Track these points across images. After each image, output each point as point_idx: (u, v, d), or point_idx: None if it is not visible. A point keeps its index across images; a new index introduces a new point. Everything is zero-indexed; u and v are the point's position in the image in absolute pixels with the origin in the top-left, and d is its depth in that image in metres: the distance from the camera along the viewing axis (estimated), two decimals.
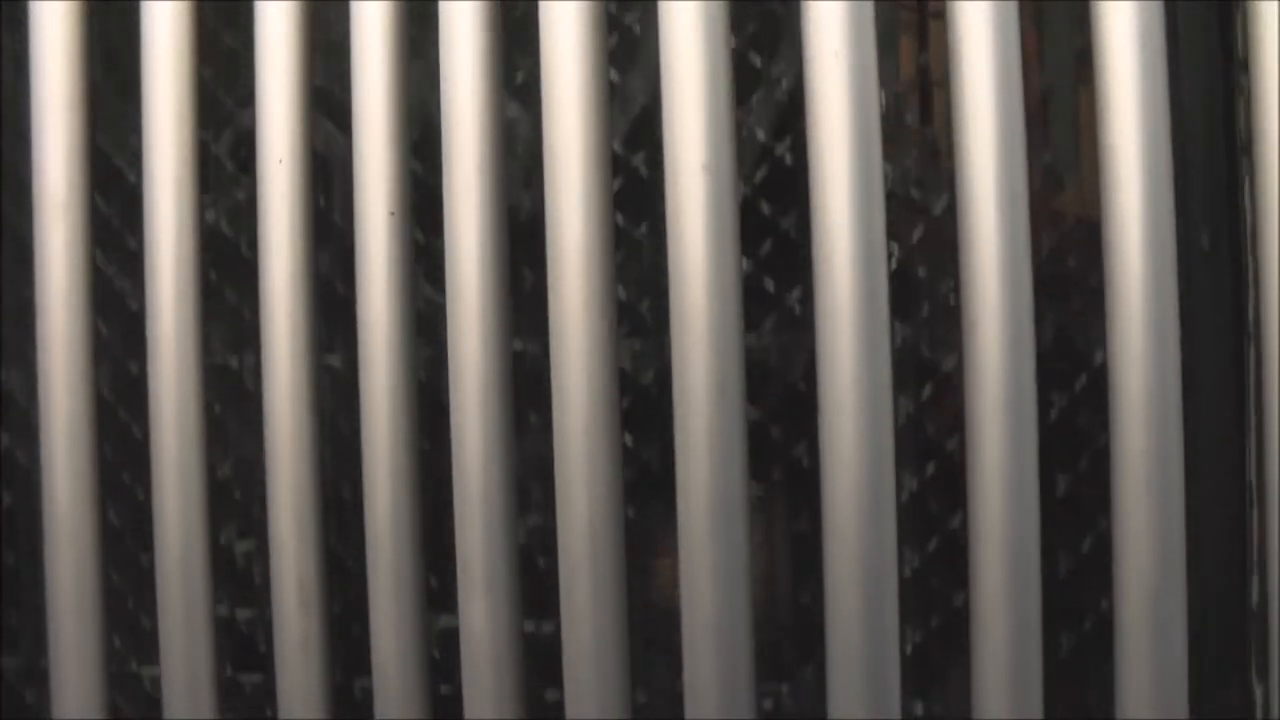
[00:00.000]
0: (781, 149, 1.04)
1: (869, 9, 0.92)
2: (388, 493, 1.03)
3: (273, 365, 1.06)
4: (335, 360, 1.13)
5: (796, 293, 1.04)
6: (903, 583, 0.96)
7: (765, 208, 1.05)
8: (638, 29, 1.05)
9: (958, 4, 0.91)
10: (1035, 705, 0.94)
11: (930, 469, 1.04)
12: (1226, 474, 0.97)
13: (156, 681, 1.13)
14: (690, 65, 0.94)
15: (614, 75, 1.03)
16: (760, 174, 1.04)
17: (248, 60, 1.07)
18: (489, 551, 1.01)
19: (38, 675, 1.20)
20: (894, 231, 0.98)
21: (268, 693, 1.11)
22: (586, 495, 0.98)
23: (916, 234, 1.04)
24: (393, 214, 1.02)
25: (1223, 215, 0.96)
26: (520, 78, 1.06)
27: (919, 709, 1.05)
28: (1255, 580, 0.96)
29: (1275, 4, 0.89)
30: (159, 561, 1.09)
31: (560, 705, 1.01)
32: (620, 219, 1.03)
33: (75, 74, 1.10)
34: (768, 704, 1.06)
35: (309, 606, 1.07)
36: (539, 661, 1.05)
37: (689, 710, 0.98)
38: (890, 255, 0.95)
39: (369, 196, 1.02)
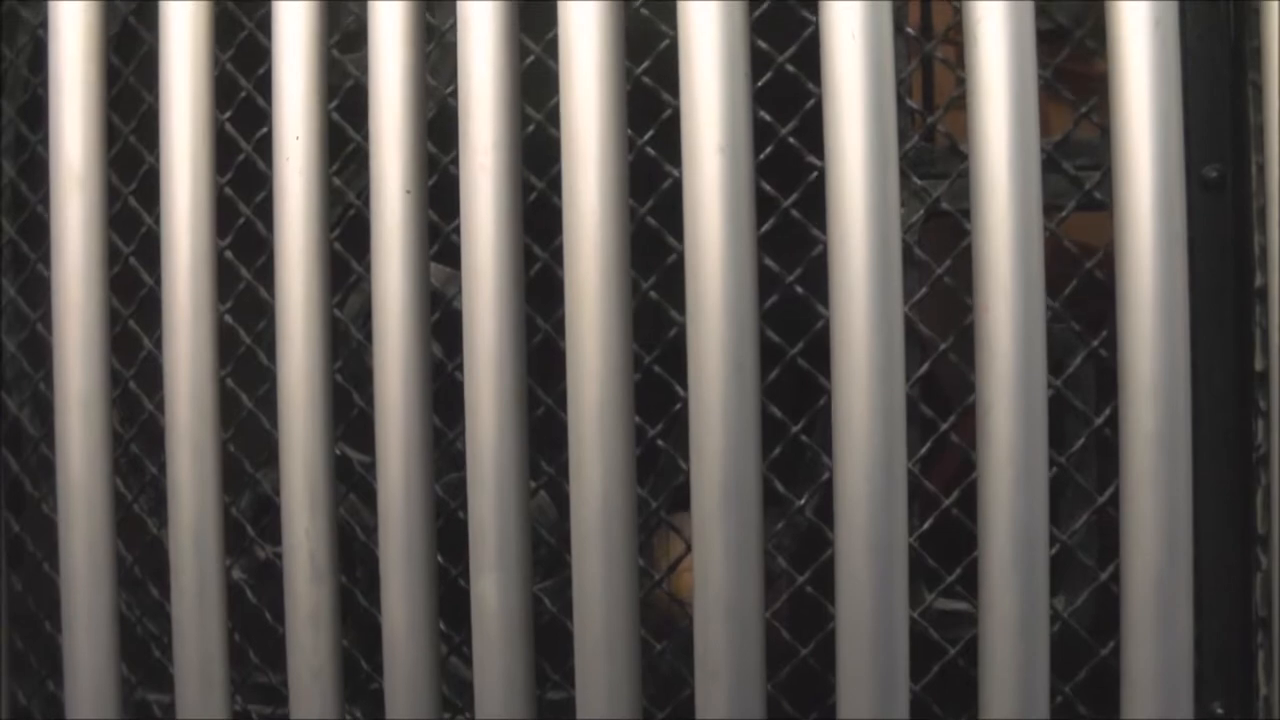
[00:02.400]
0: (797, 131, 1.04)
1: None
2: (400, 466, 1.03)
3: (287, 341, 1.06)
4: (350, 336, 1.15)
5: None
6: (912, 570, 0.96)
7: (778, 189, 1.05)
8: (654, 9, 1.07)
9: None
10: (1042, 704, 0.94)
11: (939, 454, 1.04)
12: (1234, 461, 0.98)
13: (167, 649, 1.12)
14: (707, 47, 0.95)
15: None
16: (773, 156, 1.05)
17: (264, 36, 1.08)
18: (501, 525, 1.01)
19: (48, 645, 1.21)
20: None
21: (277, 665, 1.11)
22: (600, 473, 0.98)
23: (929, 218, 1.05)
24: (408, 192, 1.02)
25: (1231, 150, 0.98)
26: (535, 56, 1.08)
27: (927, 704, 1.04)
28: (1259, 574, 0.96)
29: None
30: (172, 534, 1.09)
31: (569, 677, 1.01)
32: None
33: (92, 49, 1.11)
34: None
35: (320, 579, 1.06)
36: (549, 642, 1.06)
37: (699, 694, 0.98)
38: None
39: (385, 174, 1.03)
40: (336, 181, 1.13)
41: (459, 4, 1.01)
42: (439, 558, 1.06)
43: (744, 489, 0.96)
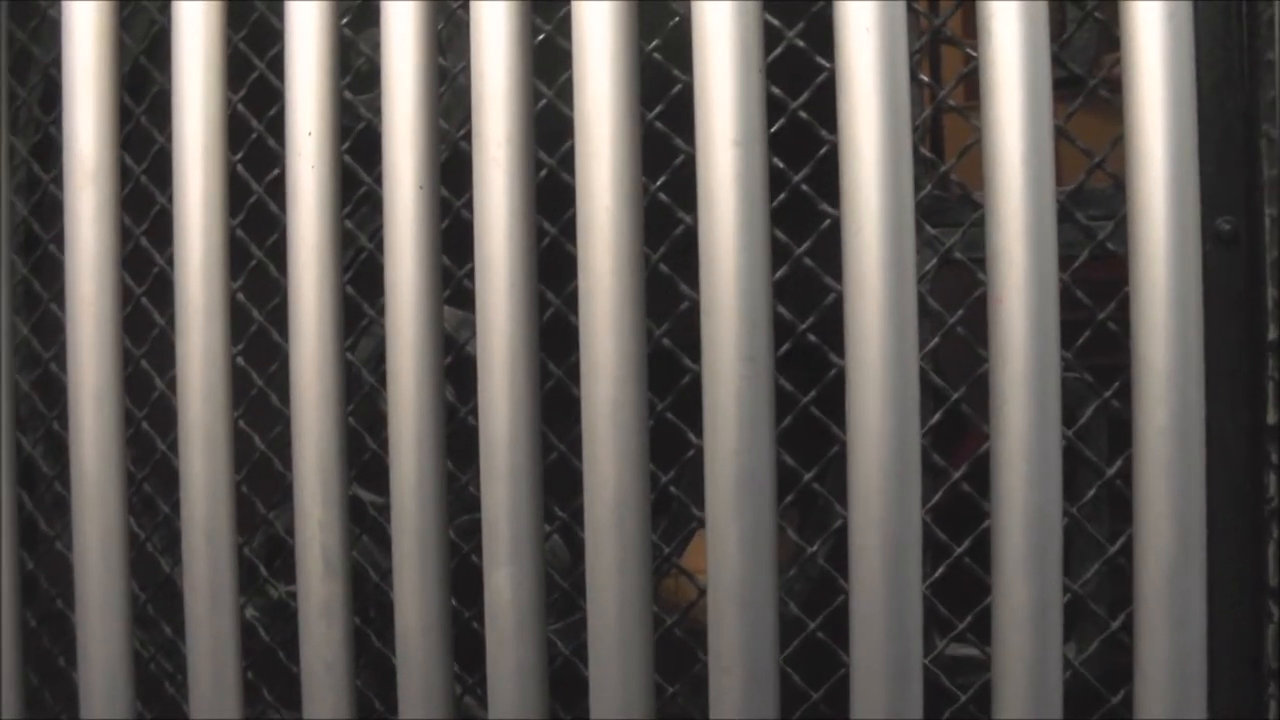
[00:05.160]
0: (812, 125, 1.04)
1: None
2: (413, 459, 1.03)
3: (300, 338, 1.06)
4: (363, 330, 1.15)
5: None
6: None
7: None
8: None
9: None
10: (1055, 704, 0.94)
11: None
12: (1245, 514, 0.98)
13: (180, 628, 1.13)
14: (722, 41, 0.95)
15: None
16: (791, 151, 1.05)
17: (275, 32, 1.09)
18: (514, 519, 1.01)
19: (62, 624, 1.21)
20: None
21: (291, 658, 1.11)
22: (614, 463, 0.98)
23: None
24: (421, 188, 1.03)
25: (1244, 203, 0.98)
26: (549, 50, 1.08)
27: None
28: (1271, 627, 0.97)
29: None
30: (185, 525, 1.10)
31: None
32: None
33: (105, 42, 1.11)
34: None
35: (332, 573, 1.07)
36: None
37: (713, 690, 0.98)
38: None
39: (397, 171, 1.03)
40: (348, 224, 1.13)
41: (472, 2, 1.01)
42: (453, 600, 1.06)
43: (758, 483, 0.96)
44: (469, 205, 1.02)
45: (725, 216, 0.95)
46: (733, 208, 0.95)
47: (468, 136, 1.01)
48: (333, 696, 1.08)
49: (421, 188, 1.03)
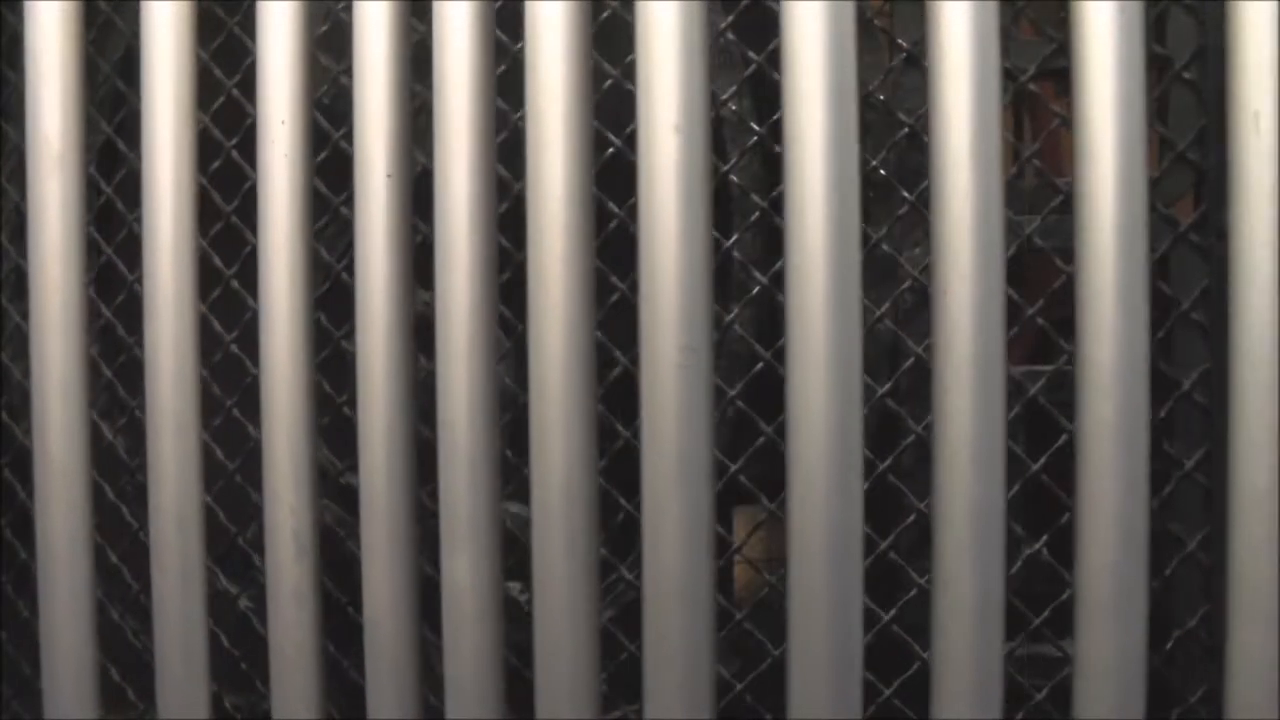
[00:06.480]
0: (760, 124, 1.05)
1: None
2: (383, 446, 1.04)
3: (270, 325, 1.07)
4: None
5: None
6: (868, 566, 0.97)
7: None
8: None
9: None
10: (995, 700, 0.94)
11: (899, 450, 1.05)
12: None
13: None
14: (663, 26, 0.96)
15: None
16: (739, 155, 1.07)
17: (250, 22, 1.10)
18: (472, 504, 1.02)
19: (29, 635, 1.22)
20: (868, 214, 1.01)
21: (260, 642, 1.12)
22: (563, 461, 0.99)
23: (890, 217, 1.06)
24: (390, 176, 1.04)
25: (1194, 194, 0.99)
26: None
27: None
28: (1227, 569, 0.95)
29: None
30: (152, 513, 1.11)
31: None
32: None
33: (69, 23, 1.13)
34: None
35: (303, 556, 1.07)
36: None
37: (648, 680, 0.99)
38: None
39: (368, 159, 1.04)
40: (344, 213, 1.15)
41: (435, 4, 1.02)
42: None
43: (695, 474, 0.97)
44: None
45: (665, 203, 0.96)
46: (673, 194, 0.96)
47: None
48: (301, 678, 1.09)
49: (390, 176, 1.05)
